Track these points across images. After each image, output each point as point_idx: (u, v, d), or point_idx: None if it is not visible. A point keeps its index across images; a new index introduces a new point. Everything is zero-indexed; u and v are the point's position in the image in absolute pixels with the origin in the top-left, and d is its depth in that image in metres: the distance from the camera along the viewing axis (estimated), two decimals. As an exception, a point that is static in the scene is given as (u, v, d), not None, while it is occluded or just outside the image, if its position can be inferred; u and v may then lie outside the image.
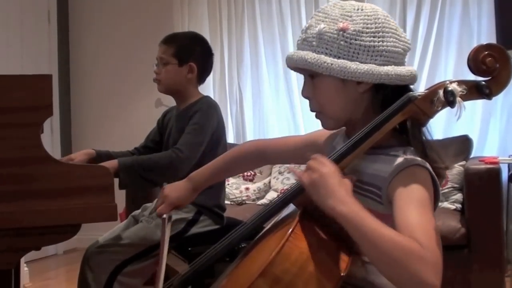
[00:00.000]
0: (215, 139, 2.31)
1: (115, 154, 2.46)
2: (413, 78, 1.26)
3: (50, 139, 4.76)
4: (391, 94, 1.25)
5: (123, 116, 4.98)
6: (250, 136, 4.55)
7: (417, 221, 1.08)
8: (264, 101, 4.50)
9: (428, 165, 1.19)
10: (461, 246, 3.10)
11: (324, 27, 1.24)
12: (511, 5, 3.19)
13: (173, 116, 2.46)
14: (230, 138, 4.54)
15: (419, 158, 1.19)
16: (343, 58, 1.22)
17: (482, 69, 1.16)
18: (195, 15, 4.65)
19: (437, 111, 1.18)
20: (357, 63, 1.22)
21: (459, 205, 3.38)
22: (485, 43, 1.19)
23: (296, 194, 1.23)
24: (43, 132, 1.74)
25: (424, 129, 1.24)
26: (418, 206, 1.11)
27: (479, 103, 3.81)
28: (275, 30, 4.44)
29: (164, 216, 1.57)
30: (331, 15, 1.25)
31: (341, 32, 1.22)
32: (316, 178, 1.13)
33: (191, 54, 2.37)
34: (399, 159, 1.19)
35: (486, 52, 1.16)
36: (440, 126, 3.87)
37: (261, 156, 1.58)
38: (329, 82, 1.25)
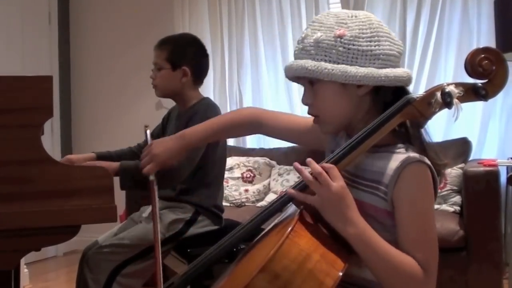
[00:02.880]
0: (214, 142, 2.31)
1: (115, 153, 2.47)
2: (410, 79, 1.29)
3: (50, 140, 4.77)
4: (390, 95, 1.28)
5: (124, 117, 4.99)
6: (249, 136, 4.55)
7: (419, 237, 1.16)
8: (264, 102, 4.51)
9: (428, 161, 1.22)
10: (459, 248, 3.10)
11: (321, 35, 1.26)
12: (510, 7, 3.19)
13: (174, 116, 2.47)
14: (230, 140, 4.54)
15: (419, 155, 1.22)
16: (343, 63, 1.24)
17: (479, 72, 1.19)
18: (196, 16, 4.67)
19: (434, 113, 1.21)
20: (357, 67, 1.24)
21: (457, 208, 3.39)
22: (482, 46, 1.22)
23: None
24: (44, 133, 1.74)
25: (422, 130, 1.27)
26: (422, 217, 1.18)
27: (479, 106, 3.82)
28: (275, 30, 4.44)
29: (152, 177, 1.53)
30: (326, 24, 1.27)
31: (338, 39, 1.24)
32: (326, 197, 1.16)
33: (184, 58, 2.36)
34: (402, 156, 1.22)
35: (483, 55, 1.18)
36: (439, 129, 3.88)
37: (258, 126, 1.57)
38: (330, 88, 1.27)
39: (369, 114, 1.30)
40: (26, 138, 1.55)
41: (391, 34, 1.30)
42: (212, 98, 4.50)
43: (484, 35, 3.84)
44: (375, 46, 1.25)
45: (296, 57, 1.31)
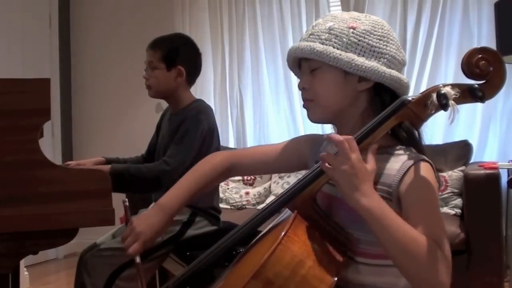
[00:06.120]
0: (207, 143, 2.29)
1: (124, 160, 2.48)
2: (409, 87, 1.30)
3: (51, 144, 4.77)
4: (389, 98, 1.27)
5: (124, 120, 4.99)
6: (250, 139, 4.55)
7: (430, 219, 1.14)
8: (264, 105, 4.51)
9: (431, 161, 1.22)
10: (460, 251, 3.09)
11: (333, 24, 1.28)
12: (510, 11, 3.19)
13: (166, 118, 2.47)
14: (231, 142, 4.54)
15: (421, 155, 1.22)
16: (351, 52, 1.25)
17: (476, 72, 1.16)
18: (196, 19, 4.67)
19: (430, 115, 1.19)
20: (364, 58, 1.25)
21: (458, 210, 3.38)
22: (479, 46, 1.19)
23: (292, 197, 1.22)
24: (43, 137, 1.74)
25: (419, 133, 1.26)
26: (433, 206, 1.17)
27: (479, 108, 3.81)
28: (276, 33, 4.44)
29: (138, 259, 1.33)
30: (340, 17, 1.30)
31: (351, 30, 1.27)
32: (346, 168, 1.13)
33: (179, 57, 2.35)
34: (405, 157, 1.22)
35: (480, 56, 1.16)
36: (439, 131, 3.88)
37: (233, 168, 1.48)
38: (332, 74, 1.27)
39: (364, 114, 1.29)
40: (23, 141, 1.54)
41: (399, 43, 1.33)
42: (212, 101, 4.54)
43: (485, 38, 3.84)
44: (384, 45, 1.27)
45: (303, 41, 1.30)
